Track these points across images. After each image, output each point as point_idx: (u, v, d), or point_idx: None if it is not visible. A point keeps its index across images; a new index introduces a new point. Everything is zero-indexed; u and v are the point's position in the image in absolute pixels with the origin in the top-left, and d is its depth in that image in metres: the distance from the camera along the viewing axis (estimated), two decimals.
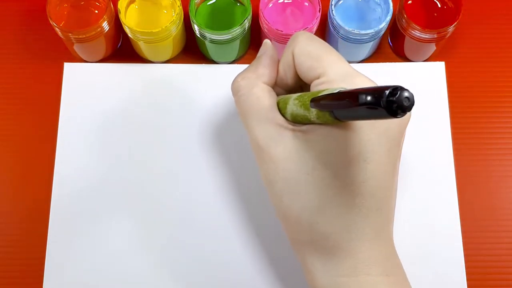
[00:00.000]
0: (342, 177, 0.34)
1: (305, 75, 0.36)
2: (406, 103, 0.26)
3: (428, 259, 0.46)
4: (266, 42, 0.40)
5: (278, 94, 0.39)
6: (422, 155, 0.48)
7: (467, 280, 0.45)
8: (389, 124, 0.34)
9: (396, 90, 0.26)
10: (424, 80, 0.50)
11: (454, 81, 0.50)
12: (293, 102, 0.35)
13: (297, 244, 0.37)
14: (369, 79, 0.36)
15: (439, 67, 0.50)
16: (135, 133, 0.48)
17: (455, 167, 0.48)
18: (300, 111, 0.35)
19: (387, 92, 0.26)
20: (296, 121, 0.36)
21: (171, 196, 0.47)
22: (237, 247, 0.46)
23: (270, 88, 0.38)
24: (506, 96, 0.50)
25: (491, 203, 0.47)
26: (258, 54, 0.39)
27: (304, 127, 0.35)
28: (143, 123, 0.49)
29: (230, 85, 0.39)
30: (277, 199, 0.36)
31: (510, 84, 0.50)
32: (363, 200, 0.34)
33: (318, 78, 0.36)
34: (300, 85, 0.39)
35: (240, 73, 0.39)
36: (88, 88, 0.50)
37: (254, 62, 0.39)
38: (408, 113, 0.36)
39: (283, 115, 0.37)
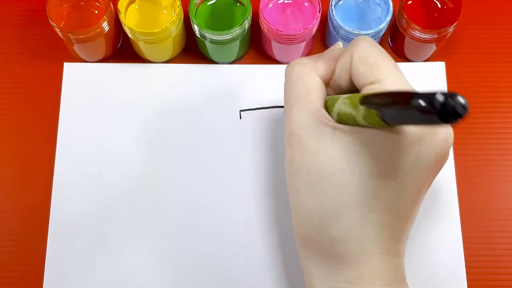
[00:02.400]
0: (368, 188, 0.33)
1: (359, 80, 0.35)
2: (460, 110, 0.25)
3: (428, 259, 0.46)
4: (339, 43, 0.39)
5: (328, 95, 0.38)
6: None
7: (467, 280, 0.45)
8: (427, 149, 0.34)
9: (452, 95, 0.25)
10: (424, 80, 0.50)
11: (454, 81, 0.50)
12: (342, 101, 0.35)
13: (303, 240, 0.36)
14: None
15: (439, 67, 0.50)
16: (135, 133, 0.48)
17: (455, 167, 0.48)
18: (347, 109, 0.34)
19: (442, 96, 0.25)
20: (341, 120, 0.35)
21: (171, 196, 0.47)
22: (239, 248, 0.46)
23: (322, 84, 0.37)
24: (506, 96, 0.50)
25: (491, 203, 0.47)
26: (326, 50, 0.39)
27: (346, 127, 0.34)
28: (143, 123, 0.49)
29: (286, 67, 0.38)
30: (294, 189, 0.35)
31: (510, 84, 0.50)
32: (381, 216, 0.33)
33: (372, 84, 0.35)
34: (352, 91, 0.38)
35: (299, 58, 0.38)
36: (88, 88, 0.50)
37: (317, 55, 0.39)
38: (450, 143, 0.34)
39: (329, 113, 0.36)
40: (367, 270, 0.34)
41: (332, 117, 0.36)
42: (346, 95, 0.35)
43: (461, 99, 0.25)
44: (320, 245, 0.35)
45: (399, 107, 0.28)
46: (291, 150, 0.36)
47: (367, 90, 0.35)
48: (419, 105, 0.26)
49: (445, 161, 0.35)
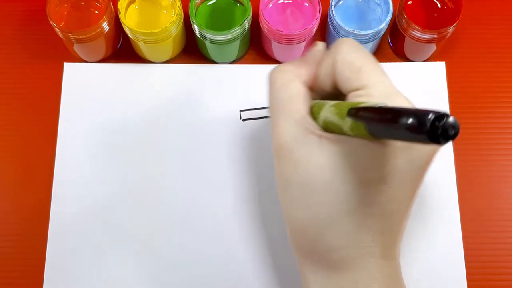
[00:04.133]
0: (359, 196, 0.33)
1: (344, 85, 0.35)
2: (450, 132, 0.24)
3: (428, 259, 0.46)
4: (319, 44, 0.38)
5: (313, 99, 0.37)
6: None
7: (467, 280, 0.45)
8: (421, 154, 0.33)
9: (442, 116, 0.24)
10: (424, 80, 0.50)
11: (454, 81, 0.50)
12: (329, 109, 0.34)
13: (299, 250, 0.36)
14: (409, 101, 0.34)
15: (439, 67, 0.50)
16: (135, 133, 0.48)
17: (455, 167, 0.48)
18: (334, 119, 0.33)
19: (432, 116, 0.24)
20: (328, 129, 0.34)
21: (171, 196, 0.47)
22: (238, 249, 0.46)
23: (306, 90, 0.36)
24: (506, 96, 0.50)
25: (491, 203, 0.47)
26: (306, 54, 0.38)
27: (333, 136, 0.33)
28: (143, 123, 0.49)
29: (268, 73, 0.37)
30: (287, 202, 0.35)
31: (510, 84, 0.50)
32: (375, 222, 0.33)
33: (357, 90, 0.34)
34: (337, 94, 0.37)
35: (281, 65, 0.37)
36: (88, 88, 0.50)
37: (298, 60, 0.38)
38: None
39: (314, 119, 0.35)
40: (363, 275, 0.34)
41: (317, 123, 0.35)
42: (332, 103, 0.34)
43: (451, 120, 0.24)
44: (316, 254, 0.35)
45: (388, 124, 0.27)
46: (279, 162, 0.35)
47: (354, 97, 0.34)
48: (408, 124, 0.25)
49: (433, 159, 0.35)
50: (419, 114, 0.25)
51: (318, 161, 0.33)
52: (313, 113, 0.36)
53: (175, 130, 0.49)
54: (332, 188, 0.33)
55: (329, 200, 0.33)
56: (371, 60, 0.35)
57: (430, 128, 0.24)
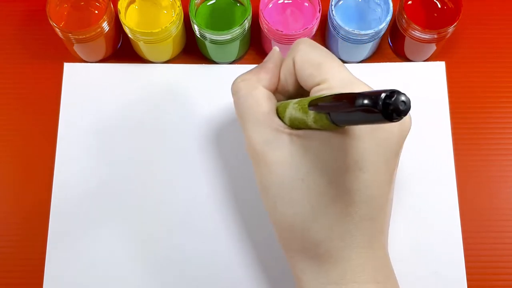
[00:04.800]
0: (337, 185, 0.34)
1: (306, 83, 0.36)
2: (402, 107, 0.26)
3: (428, 259, 0.46)
4: (275, 49, 0.40)
5: (279, 101, 0.38)
6: (423, 155, 0.48)
7: (467, 280, 0.45)
8: (388, 134, 0.34)
9: (393, 93, 0.26)
10: (424, 80, 0.50)
11: (454, 81, 0.50)
12: (292, 106, 0.35)
13: (289, 250, 0.37)
14: (369, 87, 0.35)
15: (439, 67, 0.50)
16: (135, 133, 0.48)
17: (455, 167, 0.48)
18: (298, 114, 0.34)
19: (383, 95, 0.26)
20: (294, 125, 0.35)
21: (171, 196, 0.47)
22: (238, 249, 0.46)
23: (270, 93, 0.38)
24: (506, 96, 0.50)
25: (491, 203, 0.47)
26: (265, 60, 0.39)
27: (301, 132, 0.35)
28: (143, 123, 0.49)
29: (231, 85, 0.39)
30: (271, 204, 0.36)
31: (510, 84, 0.50)
32: (356, 209, 0.34)
33: (318, 85, 0.35)
34: (301, 93, 0.38)
35: (241, 74, 0.39)
36: (88, 88, 0.50)
37: (257, 66, 0.39)
38: (408, 125, 0.35)
39: (282, 119, 0.36)
40: (351, 267, 0.34)
41: (285, 123, 0.36)
42: (296, 100, 0.36)
43: (402, 97, 0.26)
44: (305, 251, 0.35)
45: (345, 109, 0.28)
46: (257, 168, 0.36)
47: (315, 91, 0.35)
48: (363, 105, 0.26)
49: (405, 139, 0.36)
50: (372, 95, 0.26)
51: (292, 159, 0.34)
52: (280, 114, 0.37)
53: (175, 130, 0.49)
54: (310, 181, 0.34)
55: (309, 194, 0.34)
56: (328, 55, 0.36)
57: (383, 106, 0.26)
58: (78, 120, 0.49)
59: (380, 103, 0.26)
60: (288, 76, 0.38)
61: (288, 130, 0.35)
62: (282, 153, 0.35)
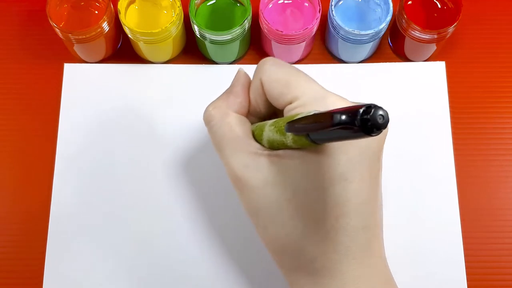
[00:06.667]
0: (325, 200, 0.33)
1: (277, 102, 0.36)
2: (380, 121, 0.25)
3: (428, 259, 0.46)
4: (240, 70, 0.39)
5: (253, 123, 0.38)
6: (422, 155, 0.48)
7: (467, 280, 0.45)
8: (369, 141, 0.34)
9: (370, 108, 0.25)
10: (424, 80, 0.50)
11: (454, 81, 0.50)
12: (269, 129, 0.35)
13: (286, 270, 0.36)
14: (341, 97, 0.35)
15: (439, 67, 0.50)
16: (135, 133, 0.48)
17: (455, 167, 0.48)
18: (276, 136, 0.34)
19: (361, 110, 0.25)
20: (273, 147, 0.35)
21: (173, 195, 0.47)
22: (238, 249, 0.46)
23: (243, 117, 0.37)
24: (506, 96, 0.50)
25: (491, 203, 0.47)
26: (231, 83, 0.39)
27: (281, 152, 0.34)
28: (143, 123, 0.49)
29: (202, 114, 0.38)
30: (261, 227, 0.35)
31: (510, 84, 0.50)
32: (347, 220, 0.33)
33: (290, 103, 0.35)
34: (274, 111, 0.38)
35: (211, 102, 0.38)
36: (88, 89, 0.50)
37: (226, 91, 0.39)
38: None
39: (259, 142, 0.36)
40: (348, 278, 0.34)
41: (263, 145, 0.36)
42: (271, 122, 0.35)
43: (379, 111, 0.25)
44: (301, 268, 0.35)
45: (323, 129, 0.28)
46: (242, 194, 0.35)
47: (289, 110, 0.35)
48: (340, 123, 0.26)
49: (384, 142, 0.35)
50: (349, 112, 0.26)
51: (274, 179, 0.34)
52: (257, 137, 0.36)
53: (175, 130, 0.49)
54: (297, 202, 0.33)
55: (298, 213, 0.33)
56: (294, 71, 0.36)
57: (361, 122, 0.25)
58: (78, 120, 0.49)
59: (358, 119, 0.25)
60: (258, 97, 0.37)
61: (266, 152, 0.35)
62: (263, 176, 0.34)
